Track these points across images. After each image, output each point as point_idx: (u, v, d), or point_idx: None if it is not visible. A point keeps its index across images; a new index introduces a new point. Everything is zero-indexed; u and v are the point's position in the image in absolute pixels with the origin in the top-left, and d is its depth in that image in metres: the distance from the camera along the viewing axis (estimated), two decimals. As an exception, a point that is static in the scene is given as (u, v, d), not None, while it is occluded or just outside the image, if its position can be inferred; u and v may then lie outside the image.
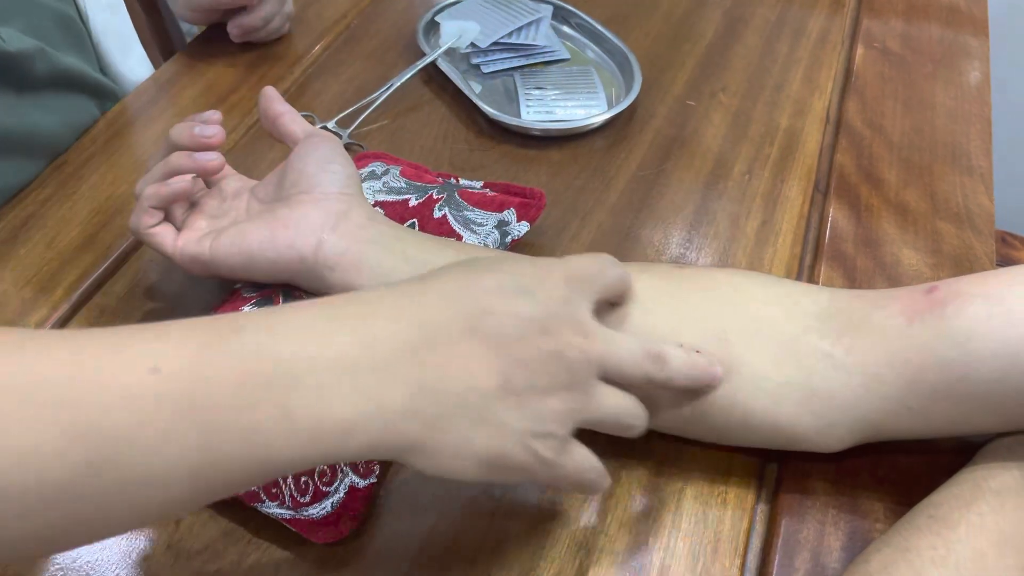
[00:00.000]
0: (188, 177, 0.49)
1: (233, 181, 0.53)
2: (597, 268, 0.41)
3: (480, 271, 0.38)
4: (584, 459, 0.39)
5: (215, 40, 0.75)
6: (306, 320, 0.34)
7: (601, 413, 0.38)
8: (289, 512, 0.42)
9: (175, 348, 0.31)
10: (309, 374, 0.32)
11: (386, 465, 0.45)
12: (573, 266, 0.40)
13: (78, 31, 0.67)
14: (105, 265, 0.56)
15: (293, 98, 0.70)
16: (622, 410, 0.39)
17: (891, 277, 0.56)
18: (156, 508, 0.32)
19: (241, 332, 0.33)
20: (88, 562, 0.42)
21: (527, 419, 0.35)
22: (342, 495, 0.42)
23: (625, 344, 0.39)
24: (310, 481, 0.42)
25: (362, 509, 0.42)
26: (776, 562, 0.42)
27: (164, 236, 0.50)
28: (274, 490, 0.42)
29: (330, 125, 0.67)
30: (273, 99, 0.54)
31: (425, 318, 0.35)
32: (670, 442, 0.47)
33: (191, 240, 0.49)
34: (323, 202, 0.48)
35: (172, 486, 0.31)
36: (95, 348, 0.31)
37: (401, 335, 0.34)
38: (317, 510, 0.42)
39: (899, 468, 0.46)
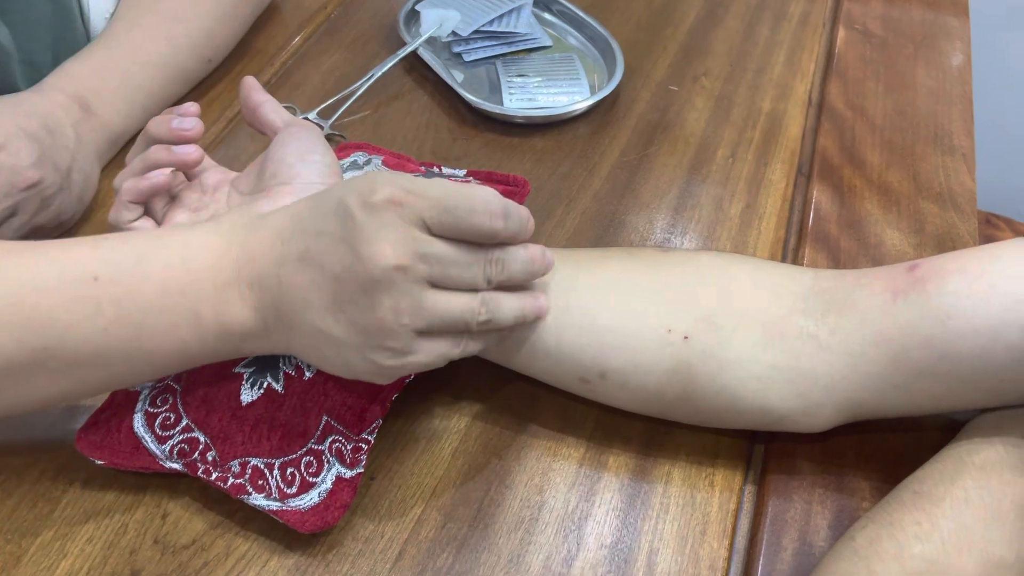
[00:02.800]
0: (167, 170, 0.48)
1: (213, 173, 0.53)
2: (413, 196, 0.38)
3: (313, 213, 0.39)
4: (437, 348, 0.39)
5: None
6: (210, 239, 0.40)
7: (438, 318, 0.38)
8: (276, 503, 0.42)
9: (110, 259, 0.39)
10: (212, 284, 0.39)
11: (371, 458, 0.45)
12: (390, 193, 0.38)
13: (73, 22, 0.65)
14: (86, 261, 0.56)
15: (274, 89, 0.70)
16: (456, 308, 0.39)
17: (875, 258, 0.57)
18: (101, 382, 0.41)
19: (165, 248, 0.40)
20: (77, 556, 0.42)
21: (357, 335, 0.38)
22: (329, 485, 0.42)
23: (443, 247, 0.38)
24: (296, 472, 0.42)
25: (349, 499, 0.42)
26: (764, 542, 0.43)
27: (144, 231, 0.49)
28: (260, 482, 0.42)
29: (311, 116, 0.66)
30: (253, 88, 0.53)
31: (276, 243, 0.39)
32: (657, 425, 0.47)
33: (172, 233, 0.49)
34: (303, 193, 0.48)
35: (112, 367, 0.39)
36: (42, 261, 0.39)
37: (276, 251, 0.39)
38: (304, 501, 0.42)
39: (885, 446, 0.46)
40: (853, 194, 0.61)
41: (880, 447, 0.46)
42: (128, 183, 0.49)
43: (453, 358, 0.40)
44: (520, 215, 0.40)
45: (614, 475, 0.46)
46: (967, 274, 0.40)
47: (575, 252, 0.47)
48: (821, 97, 0.70)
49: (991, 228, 1.15)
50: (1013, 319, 0.38)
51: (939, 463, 0.41)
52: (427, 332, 0.39)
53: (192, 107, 0.50)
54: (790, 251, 0.58)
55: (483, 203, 0.38)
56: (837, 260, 0.57)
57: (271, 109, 0.52)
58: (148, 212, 0.50)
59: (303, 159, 0.49)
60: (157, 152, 0.49)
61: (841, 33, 0.77)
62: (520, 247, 0.41)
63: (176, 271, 0.39)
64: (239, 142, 0.65)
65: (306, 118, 0.66)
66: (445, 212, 0.37)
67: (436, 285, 0.38)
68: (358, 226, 0.37)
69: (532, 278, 0.42)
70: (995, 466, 0.40)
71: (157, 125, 0.50)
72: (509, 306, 0.41)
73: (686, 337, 0.43)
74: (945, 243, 0.58)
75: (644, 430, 0.47)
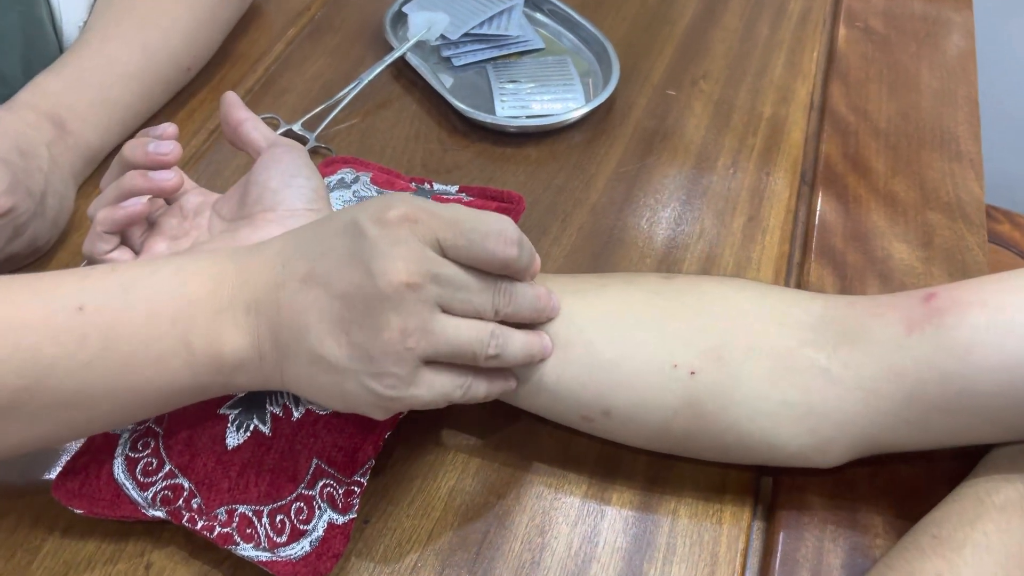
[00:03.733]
0: (144, 199, 0.46)
1: (193, 197, 0.50)
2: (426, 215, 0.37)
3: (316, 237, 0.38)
4: (441, 384, 0.37)
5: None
6: (205, 265, 0.38)
7: (446, 343, 0.36)
8: (266, 554, 0.40)
9: (96, 288, 0.37)
10: (205, 311, 0.37)
11: (364, 500, 0.43)
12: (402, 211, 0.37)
13: (43, 31, 0.63)
14: (62, 288, 0.53)
15: (256, 98, 0.67)
16: (465, 336, 0.37)
17: (882, 273, 0.55)
18: (82, 425, 0.39)
19: (154, 275, 0.38)
20: (54, 614, 0.40)
21: (359, 359, 0.35)
22: (321, 533, 0.40)
23: (454, 270, 0.37)
24: (286, 519, 0.40)
25: (342, 547, 0.40)
26: (775, 584, 0.41)
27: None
28: (248, 530, 0.40)
29: (296, 128, 0.64)
30: (233, 105, 0.51)
31: (277, 267, 0.38)
32: (661, 459, 0.45)
33: (150, 264, 0.47)
34: (288, 220, 0.46)
35: (95, 407, 0.37)
36: (26, 293, 0.37)
37: (276, 274, 0.37)
38: (296, 550, 0.40)
39: (897, 478, 0.45)
40: (859, 204, 0.59)
41: (892, 479, 0.45)
42: (103, 213, 0.46)
43: (455, 400, 0.38)
44: (531, 248, 0.39)
45: (618, 513, 0.44)
46: (988, 308, 0.38)
47: (573, 280, 0.45)
48: (823, 100, 0.68)
49: (991, 221, 1.14)
50: None
51: (957, 503, 0.39)
52: (433, 361, 0.37)
53: (170, 128, 0.48)
54: (795, 266, 0.56)
55: (498, 230, 0.37)
56: (844, 275, 0.55)
57: (253, 127, 0.50)
58: (125, 241, 0.48)
59: (288, 184, 0.47)
60: (133, 179, 0.47)
61: (842, 31, 0.75)
62: (527, 284, 0.39)
63: (166, 298, 0.37)
64: (221, 155, 0.63)
65: (290, 130, 0.64)
66: (460, 235, 0.36)
67: (445, 310, 0.37)
68: (371, 241, 0.35)
69: (538, 317, 0.40)
70: (1016, 506, 0.38)
71: (132, 149, 0.47)
72: (518, 341, 0.39)
73: (692, 372, 0.41)
74: (955, 256, 0.56)
75: (648, 464, 0.46)
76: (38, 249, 0.54)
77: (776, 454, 0.41)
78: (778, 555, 0.42)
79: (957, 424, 0.39)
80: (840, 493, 0.44)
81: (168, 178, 0.46)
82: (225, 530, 0.40)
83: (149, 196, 0.46)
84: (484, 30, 0.71)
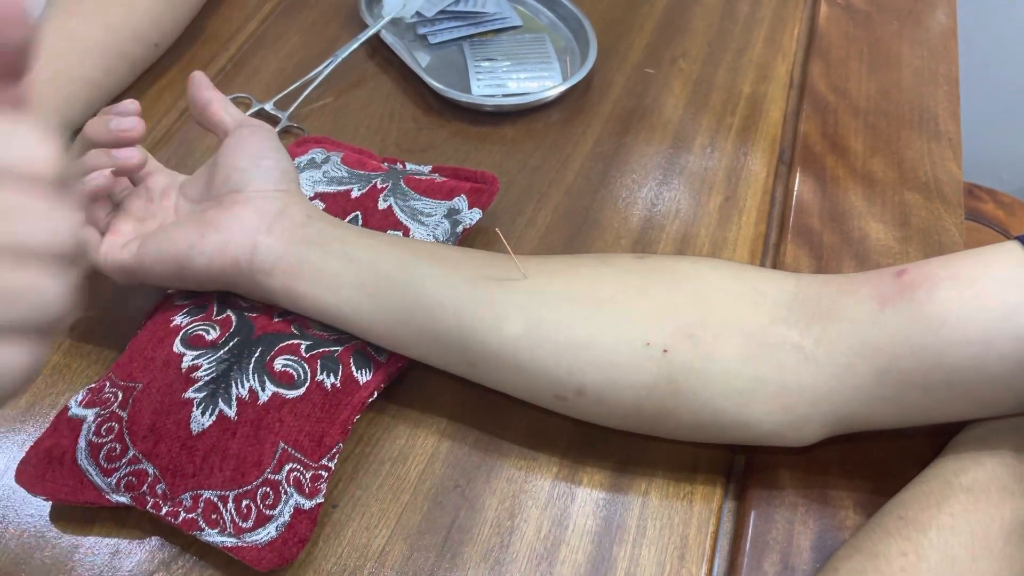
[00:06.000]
0: (105, 172, 0.45)
1: (160, 178, 0.49)
2: None
3: None
4: None
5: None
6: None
7: None
8: (232, 539, 0.39)
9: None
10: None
11: (332, 485, 0.43)
12: None
13: None
14: (28, 271, 0.53)
15: (229, 77, 0.66)
16: None
17: (859, 254, 0.54)
18: None
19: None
20: (18, 600, 0.39)
21: None
22: (287, 518, 0.40)
23: None
24: (252, 505, 0.40)
25: (308, 532, 0.40)
26: (744, 566, 0.41)
27: (86, 242, 0.46)
28: (214, 516, 0.40)
29: (268, 107, 0.63)
30: (201, 85, 0.50)
31: None
32: (634, 439, 0.45)
33: (115, 246, 0.46)
34: (256, 201, 0.45)
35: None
36: None
37: None
38: (261, 535, 0.39)
39: (869, 457, 0.45)
40: (836, 184, 0.59)
41: (865, 458, 0.45)
42: (65, 192, 0.45)
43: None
44: None
45: (589, 495, 0.44)
46: (959, 281, 0.38)
47: (546, 260, 0.45)
48: (803, 78, 0.68)
49: (974, 200, 1.13)
50: (1007, 328, 0.36)
51: (925, 484, 0.39)
52: None
53: (132, 105, 0.47)
54: (771, 247, 0.56)
55: None
56: (820, 256, 0.54)
57: (221, 107, 0.49)
58: (90, 221, 0.47)
59: (256, 165, 0.46)
60: (95, 157, 0.46)
61: (823, 9, 0.74)
62: None
63: None
64: (192, 136, 0.62)
65: (263, 109, 0.63)
66: None
67: None
68: None
69: None
70: (983, 488, 0.38)
71: (94, 127, 0.46)
72: None
73: (665, 351, 0.40)
74: (931, 236, 0.55)
75: (620, 445, 0.45)
76: None
77: (750, 432, 0.41)
78: (748, 538, 0.42)
79: (931, 399, 0.39)
80: (812, 472, 0.44)
81: (131, 155, 0.45)
82: (190, 515, 0.40)
83: (111, 169, 0.45)
84: (460, 7, 0.70)
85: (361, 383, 0.44)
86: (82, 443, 0.42)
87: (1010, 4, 1.30)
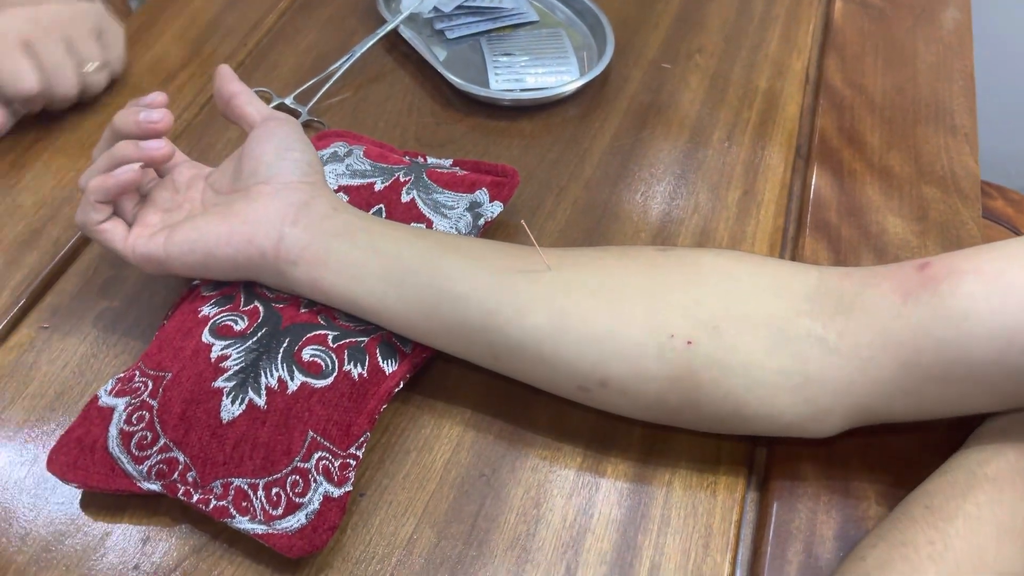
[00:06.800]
0: (135, 166, 0.46)
1: (186, 169, 0.50)
2: None
3: None
4: None
5: (160, 13, 0.71)
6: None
7: None
8: (262, 526, 0.40)
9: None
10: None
11: (359, 473, 0.43)
12: None
13: None
14: (54, 262, 0.53)
15: (248, 72, 0.67)
16: None
17: (877, 247, 0.55)
18: None
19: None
20: (50, 587, 0.40)
21: None
22: (316, 505, 0.40)
23: None
24: (282, 492, 0.40)
25: (337, 519, 0.40)
26: (768, 555, 0.41)
27: (114, 233, 0.47)
28: (244, 503, 0.40)
29: (288, 101, 0.63)
30: (227, 79, 0.50)
31: None
32: (656, 431, 0.46)
33: (143, 237, 0.46)
34: (283, 192, 0.45)
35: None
36: None
37: None
38: (291, 523, 0.40)
39: (891, 449, 0.45)
40: (853, 179, 0.59)
41: (886, 449, 0.45)
42: (95, 182, 0.46)
43: None
44: None
45: (613, 485, 0.44)
46: (983, 275, 0.38)
47: (569, 252, 0.45)
48: (819, 74, 0.68)
49: (985, 197, 1.13)
50: None
51: (949, 474, 0.39)
52: None
53: (160, 97, 0.47)
54: (789, 241, 0.56)
55: None
56: (838, 250, 0.55)
57: (246, 100, 0.49)
58: (117, 212, 0.48)
59: (282, 157, 0.47)
60: (124, 148, 0.46)
61: (838, 5, 0.74)
62: None
63: None
64: (213, 129, 0.62)
65: (283, 104, 0.63)
66: None
67: None
68: None
69: None
70: (1007, 477, 0.38)
71: (123, 118, 0.47)
72: None
73: (689, 342, 0.41)
74: (949, 231, 0.56)
75: (643, 436, 0.46)
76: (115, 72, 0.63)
77: (772, 424, 0.41)
78: (771, 527, 0.42)
79: (953, 392, 0.39)
80: (834, 464, 0.44)
81: (159, 147, 0.46)
82: (221, 503, 0.40)
83: (140, 164, 0.46)
84: (478, 2, 0.70)
85: (387, 373, 0.44)
86: (113, 431, 0.42)
87: (1016, 3, 1.30)
